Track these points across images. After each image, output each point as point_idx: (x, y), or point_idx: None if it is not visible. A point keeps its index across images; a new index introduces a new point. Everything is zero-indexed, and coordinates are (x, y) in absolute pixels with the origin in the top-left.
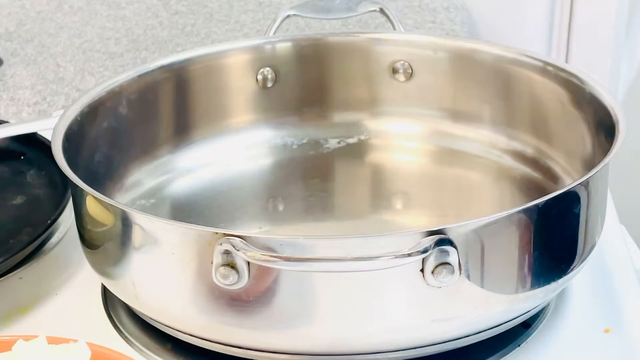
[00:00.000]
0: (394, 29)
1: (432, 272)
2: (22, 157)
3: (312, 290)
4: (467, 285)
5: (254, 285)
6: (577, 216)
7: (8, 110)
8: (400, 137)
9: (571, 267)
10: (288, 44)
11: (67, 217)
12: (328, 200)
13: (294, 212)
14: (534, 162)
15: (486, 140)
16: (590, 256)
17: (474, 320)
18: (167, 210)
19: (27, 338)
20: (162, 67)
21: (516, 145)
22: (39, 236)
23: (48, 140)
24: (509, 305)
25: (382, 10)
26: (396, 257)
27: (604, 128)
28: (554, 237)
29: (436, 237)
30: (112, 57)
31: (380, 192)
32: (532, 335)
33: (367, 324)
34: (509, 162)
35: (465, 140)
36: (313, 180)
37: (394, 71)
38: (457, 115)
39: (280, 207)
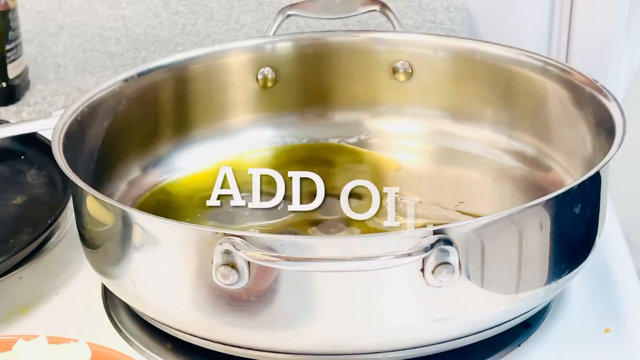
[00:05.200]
0: (394, 28)
1: (433, 272)
2: (22, 157)
3: (312, 290)
4: (467, 285)
5: (254, 285)
6: (577, 216)
7: (8, 110)
8: (400, 137)
9: (571, 267)
10: (288, 44)
11: (67, 217)
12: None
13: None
14: (534, 162)
15: (486, 140)
16: (590, 256)
17: (474, 320)
18: (168, 210)
19: (27, 338)
20: (162, 67)
21: (516, 145)
22: (39, 236)
23: (48, 140)
24: (509, 305)
25: (382, 10)
26: (396, 256)
27: (604, 128)
28: (554, 237)
29: (436, 237)
30: (112, 57)
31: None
32: (532, 335)
33: (368, 323)
34: (509, 162)
35: (465, 140)
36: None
37: (394, 71)
38: (457, 115)
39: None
